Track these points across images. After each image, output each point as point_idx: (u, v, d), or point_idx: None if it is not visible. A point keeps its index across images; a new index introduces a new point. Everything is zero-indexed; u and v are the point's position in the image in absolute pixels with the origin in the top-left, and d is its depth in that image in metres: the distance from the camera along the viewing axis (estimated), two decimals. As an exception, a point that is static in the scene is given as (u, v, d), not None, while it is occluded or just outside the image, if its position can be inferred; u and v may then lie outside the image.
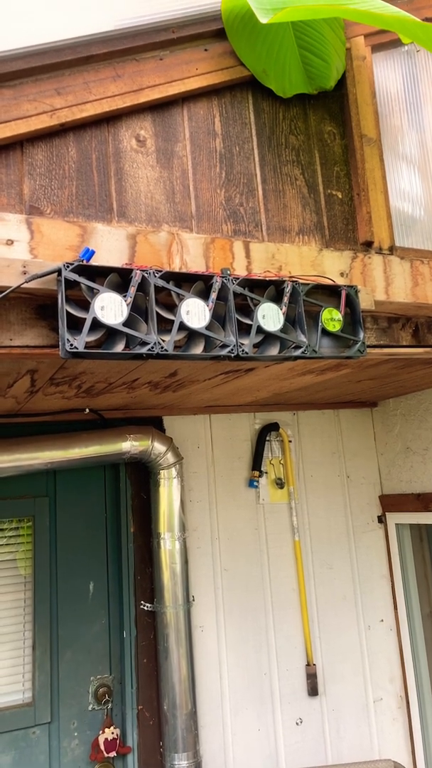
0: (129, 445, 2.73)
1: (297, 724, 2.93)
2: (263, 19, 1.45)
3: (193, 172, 1.64)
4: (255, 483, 3.09)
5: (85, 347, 1.30)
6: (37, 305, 1.47)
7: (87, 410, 2.78)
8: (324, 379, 2.31)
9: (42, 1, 1.41)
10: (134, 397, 2.50)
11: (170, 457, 2.81)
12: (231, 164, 1.70)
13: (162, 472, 2.82)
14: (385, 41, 2.02)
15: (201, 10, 1.64)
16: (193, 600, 2.83)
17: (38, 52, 1.43)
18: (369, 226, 1.82)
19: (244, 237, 1.65)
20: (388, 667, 3.18)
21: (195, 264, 1.54)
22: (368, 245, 1.82)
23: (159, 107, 1.62)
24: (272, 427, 3.16)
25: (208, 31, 1.68)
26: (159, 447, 2.78)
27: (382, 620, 3.23)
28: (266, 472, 3.14)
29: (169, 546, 2.78)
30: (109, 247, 1.45)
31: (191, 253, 1.54)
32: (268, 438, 3.17)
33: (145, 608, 2.80)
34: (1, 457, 2.53)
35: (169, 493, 2.82)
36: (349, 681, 3.09)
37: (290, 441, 3.21)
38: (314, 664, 3.01)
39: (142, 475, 2.91)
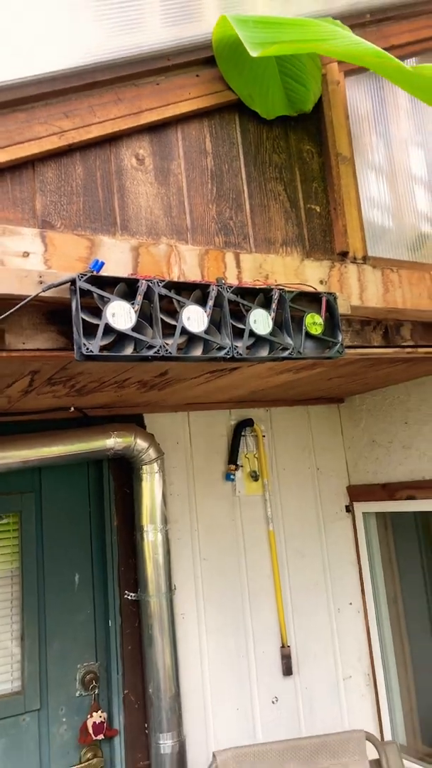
0: (113, 442, 2.85)
1: (273, 702, 3.11)
2: (254, 53, 1.61)
3: (187, 189, 1.78)
4: (231, 476, 3.25)
5: (99, 350, 1.43)
6: (47, 311, 1.59)
7: (72, 408, 2.89)
8: (299, 377, 2.48)
9: (50, 32, 1.53)
10: (120, 395, 2.62)
11: (152, 453, 2.95)
12: (221, 181, 1.85)
13: (144, 467, 2.95)
14: (356, 67, 2.20)
15: (193, 39, 1.78)
16: (175, 589, 2.97)
17: (48, 78, 1.55)
18: (344, 237, 2.00)
19: (234, 248, 1.81)
20: (356, 647, 3.40)
21: (191, 273, 1.68)
22: (344, 255, 2.00)
23: (156, 128, 1.76)
24: (247, 423, 3.33)
25: (199, 59, 1.83)
26: (141, 443, 2.91)
27: (350, 603, 3.44)
28: (242, 466, 3.31)
29: (151, 538, 2.91)
30: (115, 258, 1.59)
31: (188, 263, 1.69)
32: (243, 433, 3.33)
33: (130, 597, 2.93)
34: (-9, 455, 2.62)
35: (151, 487, 2.96)
36: (320, 661, 3.28)
37: (264, 436, 3.39)
38: (288, 646, 3.19)
39: (124, 470, 3.04)
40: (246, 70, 1.88)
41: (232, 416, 3.34)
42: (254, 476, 3.33)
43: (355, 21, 2.18)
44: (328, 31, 1.70)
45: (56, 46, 1.55)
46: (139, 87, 1.72)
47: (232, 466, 3.25)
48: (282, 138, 2.00)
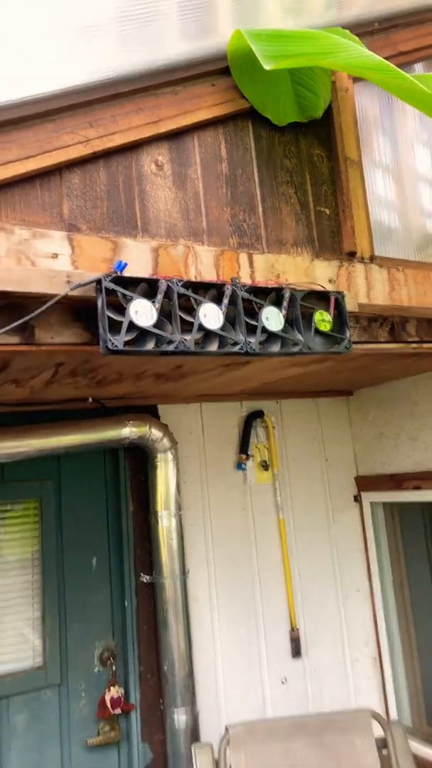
0: (129, 431, 2.98)
1: (282, 682, 3.24)
2: (267, 66, 1.72)
3: (203, 193, 1.90)
4: (243, 466, 3.37)
5: (123, 345, 1.55)
6: (73, 308, 1.71)
7: (90, 399, 3.02)
8: (309, 371, 2.59)
9: (78, 48, 1.64)
10: (137, 386, 2.75)
11: (166, 442, 3.07)
12: (235, 185, 1.96)
13: (159, 455, 3.08)
14: (365, 73, 2.29)
15: (209, 51, 1.89)
16: (188, 572, 3.10)
17: (75, 91, 1.67)
18: (352, 238, 2.10)
19: (247, 249, 1.92)
20: (363, 632, 3.52)
21: (207, 273, 1.80)
22: (352, 255, 2.11)
23: (174, 136, 1.87)
24: (258, 415, 3.45)
25: (215, 69, 1.93)
26: (156, 433, 3.04)
27: (358, 590, 3.55)
28: (252, 456, 3.43)
29: (166, 523, 3.04)
30: (136, 258, 1.70)
31: (204, 264, 1.80)
32: (253, 424, 3.45)
33: (145, 580, 3.06)
34: (15, 443, 2.76)
35: (165, 475, 3.08)
36: (328, 644, 3.41)
37: (274, 427, 3.50)
38: (297, 630, 3.32)
39: (139, 458, 3.17)
40: (259, 79, 1.98)
41: (243, 408, 3.45)
42: (264, 466, 3.45)
43: (364, 29, 2.28)
44: (336, 44, 1.80)
45: (83, 61, 1.66)
46: (158, 97, 1.83)
47: (243, 456, 3.37)
48: (293, 143, 2.10)
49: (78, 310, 1.71)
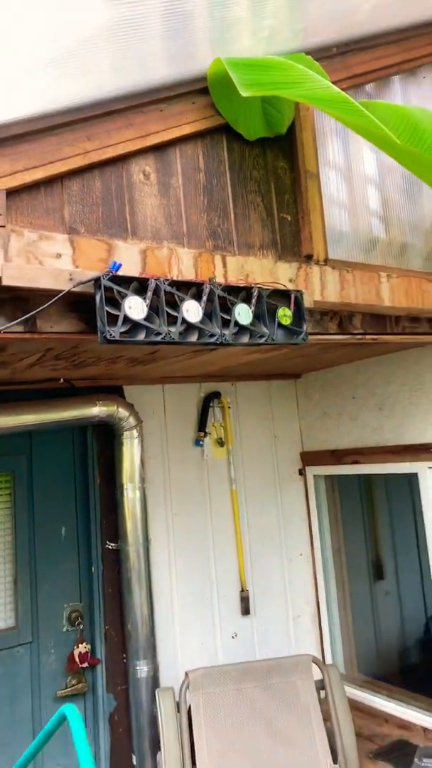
0: (98, 410, 3.21)
1: (233, 637, 3.59)
2: (244, 94, 1.97)
3: (184, 200, 2.14)
4: (200, 442, 3.67)
5: (120, 336, 1.79)
6: (69, 302, 1.93)
7: (62, 380, 3.22)
8: (267, 357, 2.90)
9: (81, 71, 1.85)
10: (109, 369, 2.98)
11: (132, 421, 3.32)
12: (211, 193, 2.21)
13: (125, 433, 3.32)
14: (323, 93, 2.57)
15: (190, 73, 2.13)
16: (151, 540, 3.38)
17: (75, 108, 1.87)
18: (310, 242, 2.40)
19: (221, 251, 2.19)
20: (304, 591, 3.91)
21: (188, 272, 2.05)
22: (309, 258, 2.40)
23: (159, 148, 2.10)
24: (215, 396, 3.74)
25: (195, 89, 2.17)
26: (123, 412, 3.28)
27: (301, 554, 3.94)
28: (210, 433, 3.73)
29: (131, 495, 3.31)
30: (127, 259, 1.94)
31: (185, 264, 2.06)
32: (211, 404, 3.74)
33: (110, 547, 3.33)
34: (-8, 420, 2.95)
35: (130, 451, 3.34)
36: (274, 603, 3.78)
37: (229, 407, 3.81)
38: (247, 590, 3.67)
39: (106, 435, 3.41)
40: (234, 99, 2.22)
41: (201, 389, 3.74)
42: (220, 442, 3.75)
43: (323, 54, 2.55)
44: (303, 74, 2.06)
45: (81, 82, 1.86)
46: (146, 114, 2.06)
47: (201, 434, 3.66)
48: (261, 156, 2.37)
49: (74, 303, 1.94)
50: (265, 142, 2.40)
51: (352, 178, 2.72)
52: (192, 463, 3.65)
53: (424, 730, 3.13)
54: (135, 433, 3.34)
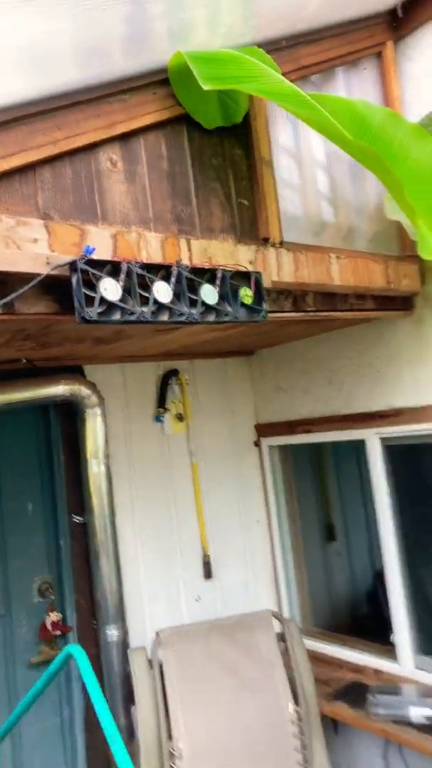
0: (62, 389, 3.32)
1: (197, 600, 3.80)
2: (205, 87, 2.10)
3: (149, 187, 2.27)
4: (161, 418, 3.82)
5: (97, 316, 1.92)
6: (45, 284, 2.04)
7: (24, 360, 3.30)
8: (227, 334, 3.06)
9: (49, 64, 1.94)
10: (73, 349, 3.08)
11: (94, 399, 3.44)
12: (174, 180, 2.34)
13: (88, 410, 3.44)
14: (274, 83, 2.72)
15: (151, 65, 2.24)
16: (116, 513, 3.53)
17: (46, 98, 1.96)
18: (266, 226, 2.57)
19: (186, 235, 2.33)
20: (262, 555, 4.15)
21: (155, 255, 2.19)
22: (266, 241, 2.57)
23: (125, 137, 2.21)
24: (174, 373, 3.89)
25: (156, 80, 2.28)
26: (85, 390, 3.40)
27: (258, 521, 4.17)
28: (169, 410, 3.88)
29: (95, 470, 3.43)
30: (99, 243, 2.06)
31: (153, 247, 2.19)
32: (170, 382, 3.89)
33: (77, 520, 3.46)
34: (-42, 401, 3.01)
35: (93, 428, 3.46)
36: (234, 566, 4.01)
37: (188, 384, 3.97)
38: (209, 556, 3.88)
39: (69, 413, 3.51)
40: (192, 90, 2.35)
41: (160, 367, 3.88)
42: (180, 418, 3.91)
43: (273, 47, 2.69)
44: (258, 68, 2.21)
45: (50, 75, 1.96)
46: (111, 104, 2.16)
47: (161, 410, 3.82)
48: (219, 145, 2.51)
49: (49, 286, 2.04)
50: (222, 131, 2.54)
51: (302, 165, 2.90)
52: (153, 438, 3.80)
53: (376, 671, 3.43)
54: (98, 410, 3.46)
